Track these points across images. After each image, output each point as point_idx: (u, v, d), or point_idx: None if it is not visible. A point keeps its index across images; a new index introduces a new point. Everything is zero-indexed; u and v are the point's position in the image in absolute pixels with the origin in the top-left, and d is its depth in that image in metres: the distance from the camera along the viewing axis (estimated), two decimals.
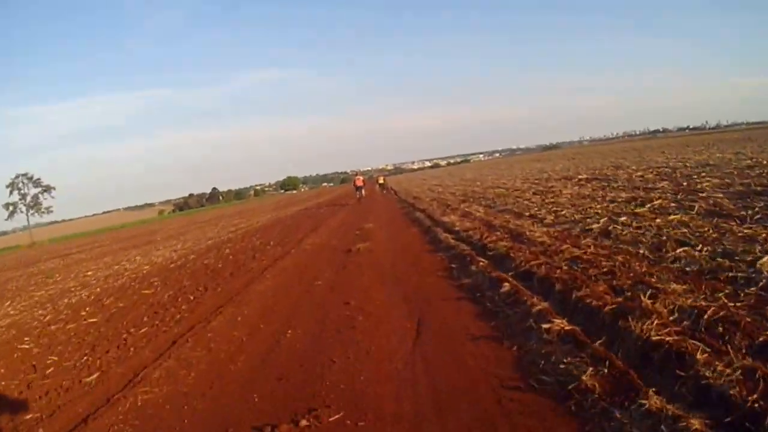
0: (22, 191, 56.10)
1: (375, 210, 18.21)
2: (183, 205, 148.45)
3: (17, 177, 56.35)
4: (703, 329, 2.88)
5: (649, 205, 7.36)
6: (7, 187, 55.45)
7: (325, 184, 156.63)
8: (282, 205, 39.71)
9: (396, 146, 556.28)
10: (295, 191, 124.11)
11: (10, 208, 55.69)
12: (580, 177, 14.96)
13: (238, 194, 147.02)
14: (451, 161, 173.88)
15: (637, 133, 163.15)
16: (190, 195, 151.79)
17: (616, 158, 24.98)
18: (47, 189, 57.50)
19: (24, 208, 56.62)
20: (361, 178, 24.49)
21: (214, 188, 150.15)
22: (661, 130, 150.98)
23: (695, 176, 10.48)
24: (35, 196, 56.72)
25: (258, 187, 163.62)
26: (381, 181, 30.23)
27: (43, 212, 57.47)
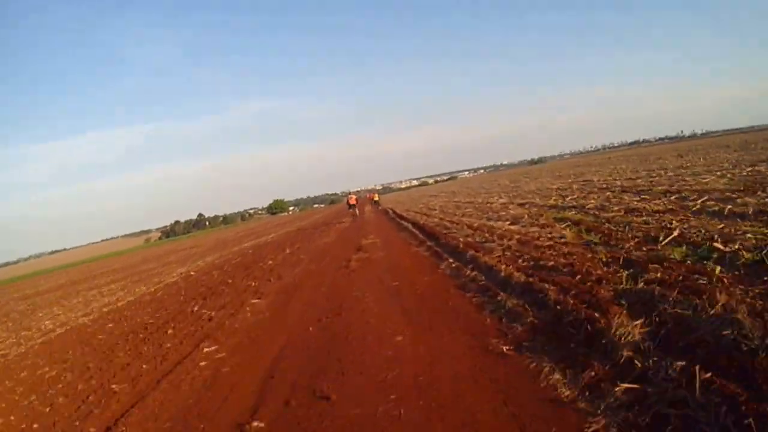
0: None
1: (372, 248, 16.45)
2: (170, 231, 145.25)
3: None
4: None
5: None
6: None
7: (315, 205, 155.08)
8: (256, 232, 37.73)
9: (384, 166, 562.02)
10: (284, 214, 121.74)
11: None
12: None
13: (226, 219, 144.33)
14: (438, 179, 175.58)
15: (616, 144, 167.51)
16: (176, 222, 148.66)
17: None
18: None
19: None
20: (354, 197, 25.76)
21: (200, 214, 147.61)
22: (641, 140, 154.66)
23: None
24: None
25: (247, 212, 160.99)
26: (376, 198, 35.21)
27: None
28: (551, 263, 5.35)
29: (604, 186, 13.83)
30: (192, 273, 13.49)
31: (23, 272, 59.57)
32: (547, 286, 4.48)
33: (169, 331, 6.18)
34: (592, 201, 10.48)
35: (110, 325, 7.80)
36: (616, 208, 8.63)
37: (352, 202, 24.83)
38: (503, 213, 11.48)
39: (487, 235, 8.55)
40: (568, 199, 11.99)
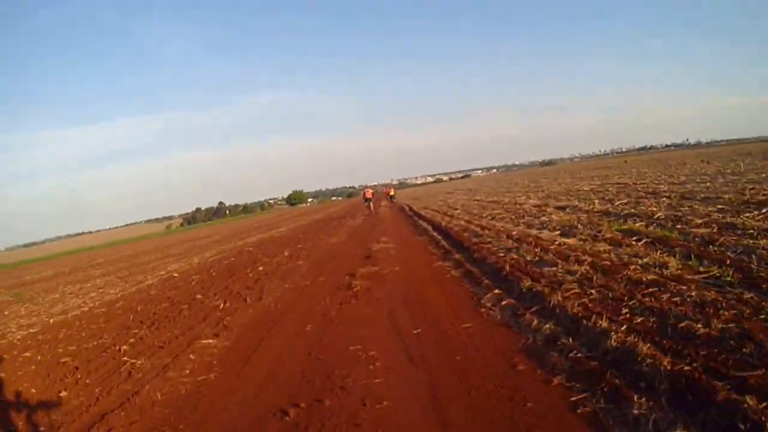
0: None
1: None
2: (191, 219, 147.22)
3: None
4: None
5: None
6: None
7: (333, 198, 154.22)
8: (269, 225, 36.03)
9: (400, 162, 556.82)
10: (302, 205, 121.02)
11: None
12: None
13: (246, 208, 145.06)
14: (453, 176, 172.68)
15: (624, 149, 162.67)
16: (197, 209, 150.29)
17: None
18: None
19: None
20: (371, 190, 25.55)
21: (221, 202, 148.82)
22: (648, 146, 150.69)
23: None
24: None
25: (267, 202, 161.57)
26: (392, 193, 34.31)
27: None
28: (699, 328, 2.95)
29: (650, 191, 11.26)
30: (175, 275, 11.57)
31: (19, 258, 60.04)
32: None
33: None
34: (654, 209, 8.05)
35: None
36: (698, 221, 6.32)
37: (369, 195, 24.38)
38: (544, 219, 8.98)
39: (536, 250, 6.15)
40: (617, 204, 9.43)
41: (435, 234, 10.33)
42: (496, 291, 4.89)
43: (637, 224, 7.00)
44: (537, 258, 5.80)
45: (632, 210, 8.36)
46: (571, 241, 6.54)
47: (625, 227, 6.96)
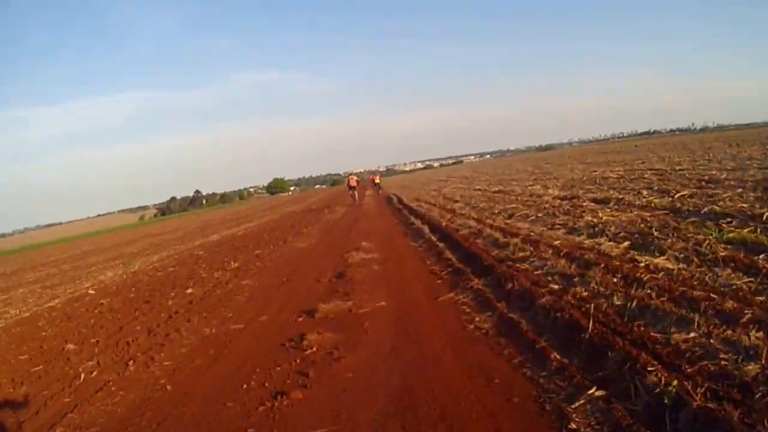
0: None
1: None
2: (165, 209, 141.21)
3: None
4: None
5: None
6: None
7: (317, 186, 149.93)
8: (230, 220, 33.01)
9: (388, 147, 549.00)
10: (283, 194, 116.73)
11: None
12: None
13: (223, 197, 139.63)
14: (443, 163, 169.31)
15: (625, 134, 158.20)
16: (172, 199, 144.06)
17: None
18: None
19: None
20: (355, 178, 24.23)
21: (197, 191, 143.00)
22: (651, 131, 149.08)
23: None
24: None
25: (247, 190, 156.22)
26: (377, 180, 32.18)
27: None
28: None
29: (705, 179, 9.00)
30: (91, 291, 8.69)
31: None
32: None
33: None
34: (742, 204, 5.77)
35: None
36: None
37: (353, 183, 23.23)
38: (589, 219, 6.36)
39: (617, 281, 3.67)
40: (677, 197, 7.03)
41: (434, 238, 7.66)
42: (596, 392, 2.35)
43: (745, 230, 4.59)
44: (636, 304, 3.24)
45: (711, 207, 5.95)
46: (663, 262, 4.05)
47: (732, 235, 4.53)
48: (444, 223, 8.79)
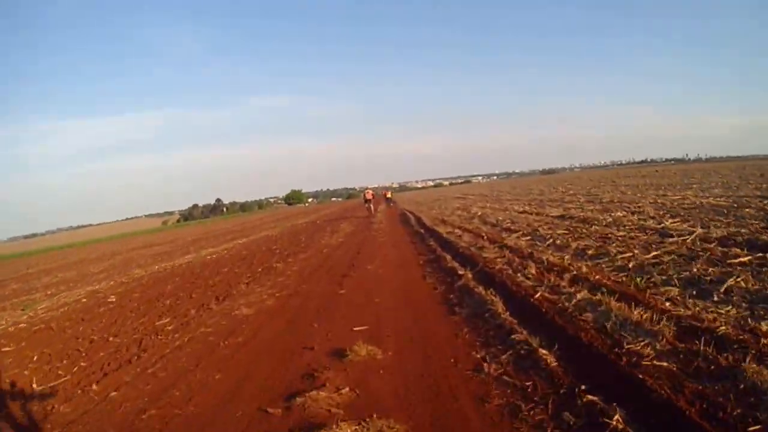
0: None
1: None
2: (188, 215, 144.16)
3: None
4: None
5: None
6: None
7: (333, 198, 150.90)
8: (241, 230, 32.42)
9: (400, 166, 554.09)
10: (300, 205, 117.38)
11: None
12: None
13: (243, 206, 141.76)
14: (453, 182, 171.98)
15: (624, 162, 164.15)
16: (194, 206, 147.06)
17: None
18: None
19: None
20: (371, 191, 25.25)
21: (218, 199, 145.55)
22: (648, 160, 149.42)
23: None
24: None
25: (267, 200, 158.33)
26: (389, 195, 33.97)
27: None
28: None
29: None
30: (46, 314, 7.81)
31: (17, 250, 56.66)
32: None
33: None
34: None
35: None
36: None
37: (369, 197, 24.43)
38: (715, 270, 4.67)
39: None
40: None
41: (487, 293, 4.70)
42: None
43: None
44: None
45: None
46: None
47: None
48: (520, 280, 5.08)
